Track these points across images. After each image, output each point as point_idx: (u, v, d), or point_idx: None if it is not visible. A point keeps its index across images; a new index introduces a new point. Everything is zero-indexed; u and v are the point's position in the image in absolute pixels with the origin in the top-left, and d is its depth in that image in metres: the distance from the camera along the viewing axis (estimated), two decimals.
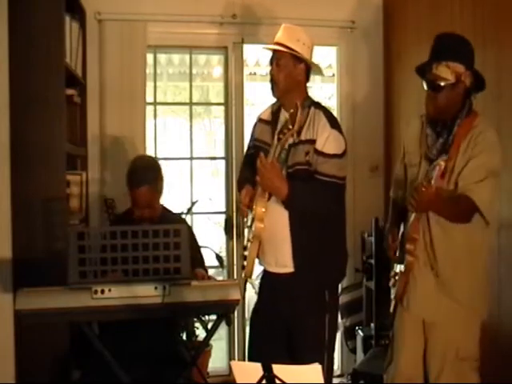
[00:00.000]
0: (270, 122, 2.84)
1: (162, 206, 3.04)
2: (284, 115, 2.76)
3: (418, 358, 2.67)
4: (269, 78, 2.78)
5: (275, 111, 2.84)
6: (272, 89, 2.76)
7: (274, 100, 2.87)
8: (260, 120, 2.91)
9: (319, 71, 2.89)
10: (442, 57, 2.48)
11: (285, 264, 2.69)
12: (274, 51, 2.74)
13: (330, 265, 2.71)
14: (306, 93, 2.80)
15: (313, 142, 2.64)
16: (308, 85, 2.83)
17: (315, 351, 2.64)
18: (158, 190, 2.92)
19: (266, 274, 2.86)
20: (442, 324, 2.60)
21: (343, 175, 2.67)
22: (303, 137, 2.68)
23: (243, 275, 2.79)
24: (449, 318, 2.58)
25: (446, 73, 2.48)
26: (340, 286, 4.13)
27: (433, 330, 2.61)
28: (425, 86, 2.56)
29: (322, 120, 2.67)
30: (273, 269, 2.77)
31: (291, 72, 2.71)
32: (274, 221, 2.67)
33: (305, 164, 2.64)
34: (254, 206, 2.67)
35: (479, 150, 2.48)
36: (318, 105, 2.77)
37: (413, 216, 2.53)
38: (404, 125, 2.84)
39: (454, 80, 2.48)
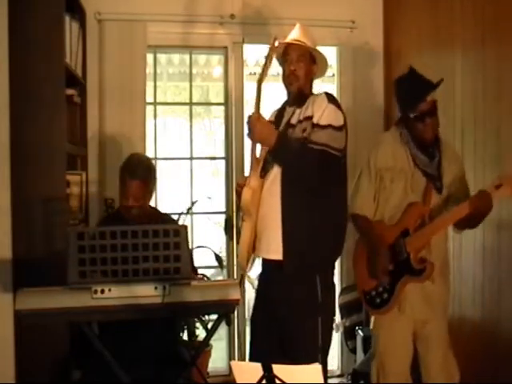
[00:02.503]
0: (274, 121, 2.89)
1: (152, 207, 3.07)
2: (287, 112, 2.83)
3: (409, 361, 2.88)
4: (281, 73, 2.83)
5: (280, 110, 2.91)
6: (287, 85, 2.81)
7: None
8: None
9: (324, 73, 2.96)
10: (430, 88, 2.77)
11: (277, 249, 2.68)
12: (296, 47, 2.77)
13: (321, 246, 2.68)
14: (311, 91, 2.86)
15: (310, 118, 2.68)
16: None
17: (307, 346, 2.65)
18: (150, 189, 2.95)
19: (262, 267, 2.85)
20: (435, 322, 2.84)
21: (337, 146, 2.64)
22: (302, 116, 2.72)
23: (237, 265, 2.79)
24: (439, 315, 2.86)
25: (434, 97, 2.78)
26: (339, 285, 4.20)
27: (426, 327, 2.84)
28: (414, 118, 2.77)
29: (320, 97, 2.73)
30: (266, 255, 2.76)
31: (309, 70, 2.80)
32: (268, 206, 2.70)
33: (302, 139, 2.67)
34: (247, 178, 2.73)
35: (460, 164, 2.92)
36: (319, 93, 2.83)
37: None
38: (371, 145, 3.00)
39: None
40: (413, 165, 2.83)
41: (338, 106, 2.72)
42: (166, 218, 3.12)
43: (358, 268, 2.95)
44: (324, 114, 2.65)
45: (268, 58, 2.68)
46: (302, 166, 2.63)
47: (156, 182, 3.03)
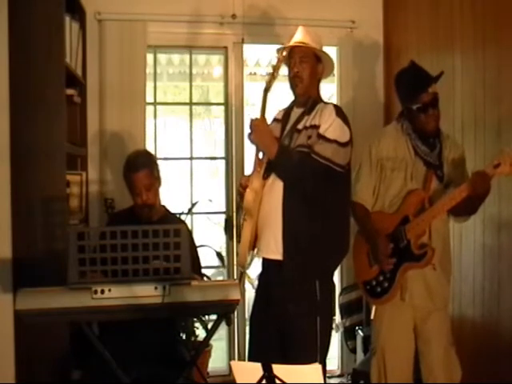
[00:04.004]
0: (281, 120, 2.92)
1: (164, 207, 3.05)
2: (295, 113, 2.85)
3: (411, 356, 2.87)
4: (287, 75, 2.86)
5: (287, 110, 2.92)
6: (292, 87, 2.83)
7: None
8: (274, 119, 2.98)
9: (331, 72, 2.98)
10: (431, 80, 2.81)
11: (277, 249, 2.70)
12: (298, 49, 2.79)
13: (321, 255, 2.69)
14: (319, 93, 2.88)
15: (317, 127, 2.70)
16: None
17: (306, 346, 2.66)
18: (155, 175, 2.96)
19: (262, 267, 2.86)
20: (434, 310, 2.84)
21: (340, 162, 2.67)
22: (308, 123, 2.74)
23: (236, 263, 2.80)
24: (439, 304, 2.85)
25: (435, 88, 2.81)
26: (339, 285, 4.19)
27: (427, 323, 2.83)
28: (417, 110, 2.79)
29: (328, 109, 2.74)
30: (266, 254, 2.78)
31: (314, 70, 2.82)
32: (269, 206, 2.72)
33: (306, 146, 2.69)
34: (250, 179, 2.75)
35: (461, 152, 2.92)
36: (327, 102, 2.87)
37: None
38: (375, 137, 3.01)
39: None
40: (413, 154, 2.86)
41: (346, 120, 2.73)
42: (175, 219, 3.12)
43: (357, 258, 2.96)
44: (331, 127, 2.67)
45: (275, 68, 2.74)
46: (302, 179, 2.65)
47: (159, 167, 3.02)
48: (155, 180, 2.95)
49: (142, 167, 2.89)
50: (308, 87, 2.80)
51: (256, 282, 2.94)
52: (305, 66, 2.79)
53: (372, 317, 2.95)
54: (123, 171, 2.97)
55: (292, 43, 2.81)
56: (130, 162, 2.96)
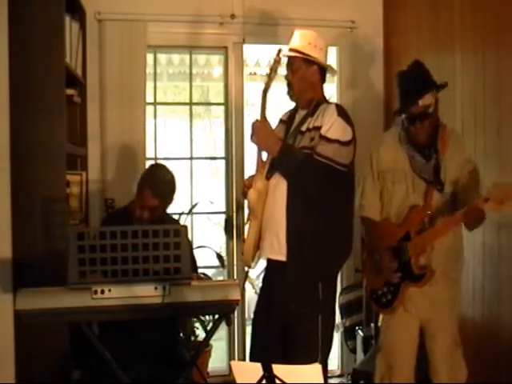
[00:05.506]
0: (286, 121, 2.94)
1: None
2: (299, 114, 2.86)
3: (414, 358, 2.86)
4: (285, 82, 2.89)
5: (293, 112, 2.95)
6: (288, 93, 2.87)
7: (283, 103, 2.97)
8: (280, 121, 3.00)
9: (332, 71, 2.99)
10: (423, 91, 2.68)
11: (280, 250, 2.71)
12: (289, 57, 2.84)
13: (325, 257, 2.70)
14: (322, 93, 2.89)
15: (319, 128, 2.71)
16: None
17: (308, 345, 2.67)
18: (161, 207, 2.99)
19: (266, 267, 2.88)
20: (440, 319, 2.82)
21: (342, 161, 2.67)
22: (311, 125, 2.75)
23: (242, 262, 2.81)
24: (445, 313, 2.83)
25: (430, 100, 2.70)
26: (339, 284, 4.19)
27: (432, 327, 2.82)
28: (406, 122, 2.73)
29: (330, 109, 2.75)
30: (269, 255, 2.79)
31: (304, 74, 2.82)
32: (273, 207, 2.73)
33: (309, 148, 2.70)
34: (254, 180, 2.79)
35: (466, 153, 2.82)
36: (331, 102, 2.88)
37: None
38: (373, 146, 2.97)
39: (434, 104, 2.72)
40: (410, 168, 2.82)
41: (348, 119, 2.73)
42: (168, 218, 3.13)
43: (367, 266, 2.96)
44: (332, 127, 2.68)
45: (272, 69, 2.76)
46: (305, 178, 2.66)
47: (173, 196, 3.03)
48: (159, 210, 2.96)
49: (155, 195, 2.91)
50: (301, 92, 2.82)
51: (256, 282, 2.94)
52: (293, 73, 2.82)
53: (379, 323, 2.96)
54: (144, 176, 3.00)
55: (284, 54, 2.84)
56: (150, 179, 2.98)
